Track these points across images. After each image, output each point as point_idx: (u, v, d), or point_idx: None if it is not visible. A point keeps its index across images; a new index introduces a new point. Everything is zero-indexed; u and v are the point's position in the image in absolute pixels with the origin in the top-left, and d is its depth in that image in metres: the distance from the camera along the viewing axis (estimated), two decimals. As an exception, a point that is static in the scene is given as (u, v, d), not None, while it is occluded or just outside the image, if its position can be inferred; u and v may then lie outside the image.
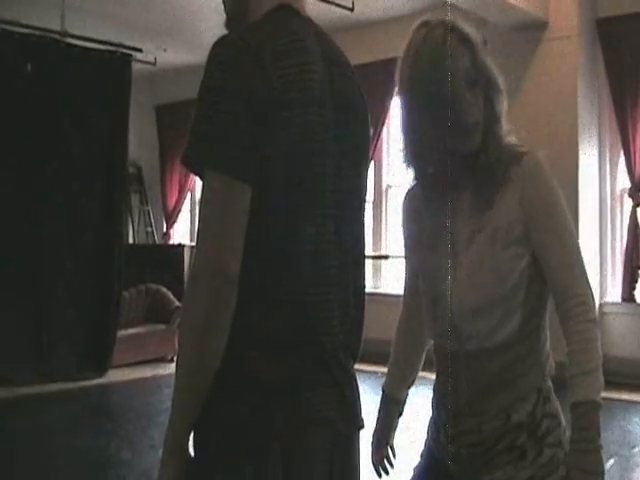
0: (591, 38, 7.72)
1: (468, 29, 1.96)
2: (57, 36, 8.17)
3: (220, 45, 1.56)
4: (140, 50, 8.95)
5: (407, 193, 2.14)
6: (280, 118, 1.55)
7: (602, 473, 1.81)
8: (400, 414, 2.28)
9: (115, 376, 8.37)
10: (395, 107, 9.40)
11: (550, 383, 2.01)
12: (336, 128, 1.68)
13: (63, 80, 8.23)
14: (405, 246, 2.15)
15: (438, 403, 2.07)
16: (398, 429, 2.31)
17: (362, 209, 1.82)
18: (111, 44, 8.69)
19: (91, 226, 8.59)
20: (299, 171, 1.59)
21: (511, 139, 2.02)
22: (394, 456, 2.28)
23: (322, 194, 1.63)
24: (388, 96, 9.18)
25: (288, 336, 1.58)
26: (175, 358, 1.63)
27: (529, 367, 1.96)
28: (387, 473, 2.28)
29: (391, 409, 2.20)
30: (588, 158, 7.69)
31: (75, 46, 8.38)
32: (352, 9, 8.19)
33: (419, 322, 2.18)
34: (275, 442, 1.55)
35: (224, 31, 1.72)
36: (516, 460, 1.91)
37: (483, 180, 1.93)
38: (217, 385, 1.53)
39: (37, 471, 5.30)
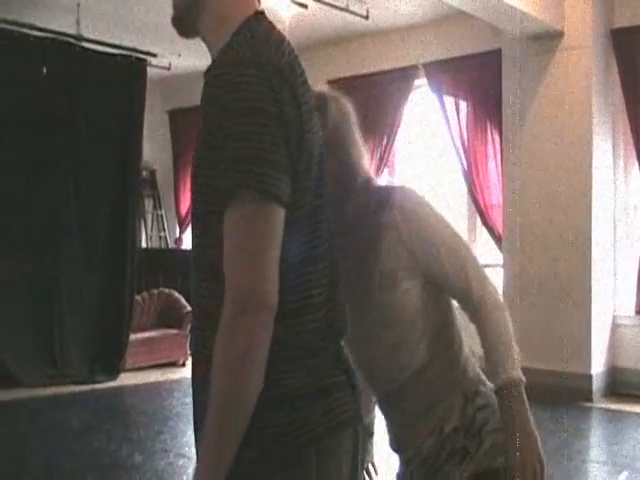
0: (606, 48, 7.69)
1: (334, 108, 1.97)
2: (72, 40, 8.22)
3: (246, 65, 1.50)
4: (155, 55, 8.98)
5: None
6: (305, 138, 1.55)
7: (536, 445, 1.89)
8: (371, 435, 2.37)
9: (127, 380, 8.39)
10: (408, 115, 9.40)
11: (476, 377, 2.07)
12: None
13: (78, 84, 8.28)
14: None
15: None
16: None
17: None
18: (126, 49, 8.73)
19: (104, 230, 8.62)
20: (316, 185, 1.60)
21: (377, 181, 2.08)
22: (376, 472, 2.36)
23: (326, 202, 1.66)
24: (402, 103, 9.17)
25: (312, 341, 1.59)
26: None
27: (450, 379, 2.04)
28: None
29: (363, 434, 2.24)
30: (602, 169, 7.66)
31: (90, 50, 8.43)
32: (367, 17, 8.19)
33: None
34: (310, 448, 1.56)
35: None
36: (460, 461, 1.99)
37: (357, 232, 1.98)
38: None
39: (48, 473, 5.32)
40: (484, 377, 2.08)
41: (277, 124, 1.48)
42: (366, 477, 2.33)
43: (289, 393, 1.54)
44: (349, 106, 2.06)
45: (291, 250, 1.53)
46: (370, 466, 2.34)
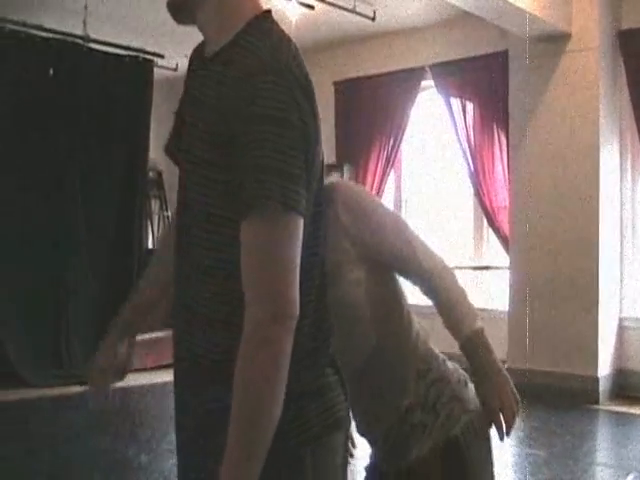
0: (613, 50, 7.67)
1: None
2: (79, 41, 8.22)
3: (267, 72, 1.48)
4: (162, 56, 8.99)
5: None
6: (317, 149, 1.55)
7: (509, 382, 2.03)
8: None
9: (134, 380, 8.37)
10: (415, 116, 9.39)
11: (428, 352, 2.16)
12: None
13: (85, 85, 8.29)
14: None
15: None
16: None
17: None
18: (133, 50, 8.74)
19: (111, 231, 8.62)
20: (316, 194, 1.60)
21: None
22: (354, 446, 2.38)
23: (324, 209, 1.67)
24: (408, 105, 9.16)
25: (307, 343, 1.58)
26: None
27: (401, 359, 2.13)
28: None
29: None
30: (609, 170, 7.65)
31: (97, 51, 8.44)
32: (373, 18, 8.19)
33: None
34: (308, 446, 1.57)
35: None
36: (421, 434, 2.09)
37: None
38: None
39: (55, 473, 5.32)
40: (436, 351, 2.18)
41: (298, 136, 1.47)
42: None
43: (293, 391, 1.52)
44: None
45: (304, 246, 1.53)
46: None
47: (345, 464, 1.74)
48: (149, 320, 2.18)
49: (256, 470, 1.44)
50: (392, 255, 2.08)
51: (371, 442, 2.22)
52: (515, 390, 2.04)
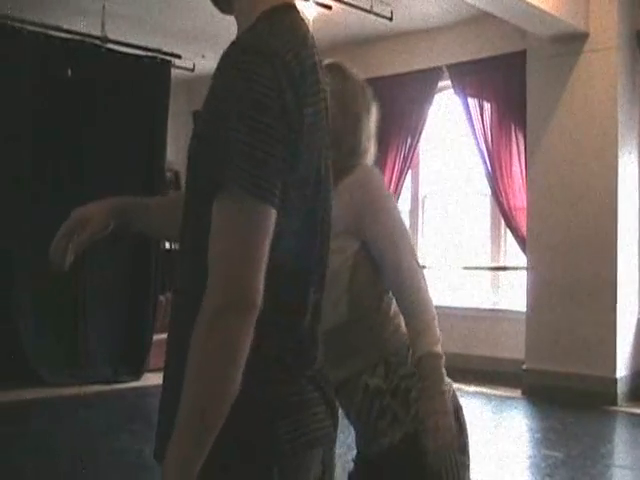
0: (631, 49, 7.64)
1: None
2: (98, 42, 8.25)
3: (254, 54, 1.45)
4: (179, 56, 9.01)
5: None
6: (303, 143, 1.48)
7: (449, 412, 2.12)
8: None
9: (151, 380, 8.41)
10: (432, 116, 9.37)
11: (402, 348, 2.24)
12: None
13: (103, 85, 8.31)
14: None
15: None
16: None
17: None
18: (150, 50, 8.76)
19: (128, 232, 8.64)
20: (309, 197, 1.54)
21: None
22: None
23: (320, 215, 1.59)
24: (426, 105, 9.15)
25: (286, 355, 1.53)
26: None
27: (370, 342, 2.24)
28: None
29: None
30: (628, 170, 7.61)
31: (115, 52, 8.47)
32: (391, 18, 8.18)
33: None
34: (276, 466, 1.49)
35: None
36: (392, 423, 2.19)
37: None
38: None
39: (73, 472, 5.34)
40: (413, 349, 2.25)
41: (277, 123, 1.42)
42: None
43: (266, 406, 1.48)
44: None
45: (286, 247, 1.48)
46: None
47: None
48: (144, 221, 2.12)
49: (197, 457, 1.38)
50: (378, 255, 2.18)
51: (349, 422, 2.29)
52: (453, 425, 2.12)
